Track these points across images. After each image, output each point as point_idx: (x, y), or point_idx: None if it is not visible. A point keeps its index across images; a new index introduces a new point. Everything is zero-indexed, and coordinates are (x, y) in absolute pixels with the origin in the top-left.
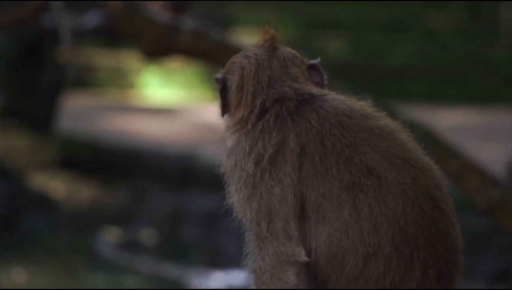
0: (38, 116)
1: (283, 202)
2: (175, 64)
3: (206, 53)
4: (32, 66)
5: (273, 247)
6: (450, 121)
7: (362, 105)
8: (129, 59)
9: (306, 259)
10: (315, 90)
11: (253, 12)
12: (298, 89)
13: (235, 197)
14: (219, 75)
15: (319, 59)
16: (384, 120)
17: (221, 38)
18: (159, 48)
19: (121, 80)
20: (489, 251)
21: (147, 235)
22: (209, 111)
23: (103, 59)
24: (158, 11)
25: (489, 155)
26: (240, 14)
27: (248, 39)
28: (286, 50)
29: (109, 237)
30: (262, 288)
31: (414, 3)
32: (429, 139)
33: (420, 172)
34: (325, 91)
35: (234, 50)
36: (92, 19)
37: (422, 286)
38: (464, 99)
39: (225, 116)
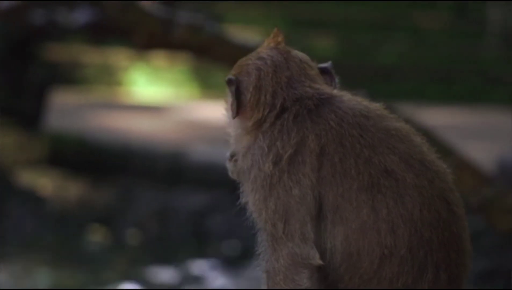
0: (26, 113)
1: (301, 204)
2: (163, 62)
3: (201, 46)
4: (20, 63)
5: (288, 248)
6: (437, 120)
7: (377, 106)
8: (117, 57)
9: (320, 262)
10: (333, 91)
11: (241, 10)
12: (318, 89)
13: (251, 196)
14: (231, 77)
15: (330, 62)
16: (398, 121)
17: (216, 32)
18: (153, 41)
19: (109, 78)
20: (479, 250)
21: (135, 233)
22: (197, 109)
23: (91, 56)
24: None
25: (476, 154)
26: (228, 12)
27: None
28: (299, 53)
29: (96, 235)
30: (274, 289)
31: (402, 3)
32: (423, 136)
33: (435, 175)
34: (342, 92)
35: (229, 44)
36: (81, 16)
37: (434, 288)
38: (451, 98)
39: (236, 117)
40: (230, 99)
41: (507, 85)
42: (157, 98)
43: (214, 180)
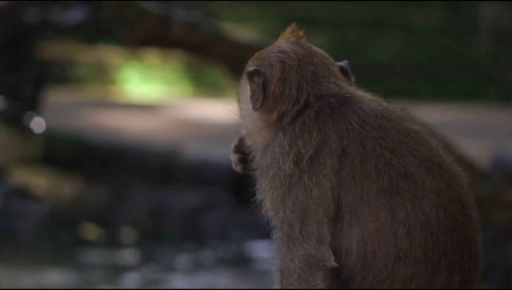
0: (19, 112)
1: (320, 205)
2: (156, 60)
3: (198, 44)
4: (13, 61)
5: (304, 249)
6: (429, 117)
7: (396, 107)
8: (110, 55)
9: (335, 264)
10: (355, 90)
11: (233, 8)
12: (343, 87)
13: (268, 195)
14: (255, 68)
15: (346, 61)
16: (416, 124)
17: (213, 29)
18: (150, 38)
19: (102, 76)
20: None
21: (129, 231)
22: (190, 107)
23: (84, 55)
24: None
25: (469, 151)
26: (220, 10)
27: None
28: (319, 49)
29: (90, 234)
30: (288, 288)
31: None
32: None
33: (452, 178)
34: (362, 92)
35: (227, 41)
36: (75, 15)
37: None
38: (443, 95)
39: (257, 110)
40: (249, 90)
41: (499, 83)
42: (150, 96)
43: (208, 178)
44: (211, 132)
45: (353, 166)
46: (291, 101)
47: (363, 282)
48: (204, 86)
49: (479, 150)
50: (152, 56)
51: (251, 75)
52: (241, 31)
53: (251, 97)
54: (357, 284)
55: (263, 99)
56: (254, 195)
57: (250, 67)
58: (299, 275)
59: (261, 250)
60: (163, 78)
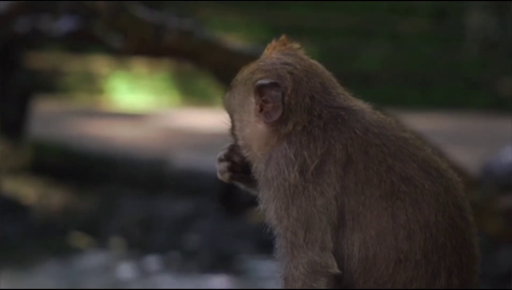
0: (8, 121)
1: (324, 213)
2: (143, 69)
3: (192, 52)
4: (2, 71)
5: (308, 256)
6: (416, 125)
7: (391, 118)
8: (98, 64)
9: (338, 271)
10: (357, 101)
11: (220, 16)
12: (348, 98)
13: (272, 204)
14: (270, 80)
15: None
16: (409, 132)
17: (207, 37)
18: (144, 47)
19: (90, 85)
20: None
21: (118, 241)
22: (178, 116)
23: (72, 64)
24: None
25: (456, 158)
26: (208, 18)
27: None
28: (315, 61)
29: (80, 243)
30: None
31: (381, 8)
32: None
33: (450, 183)
34: (362, 103)
35: (220, 49)
36: (65, 24)
37: None
38: (430, 103)
39: (255, 122)
40: (253, 102)
41: (486, 90)
42: (138, 105)
43: (197, 187)
44: (199, 141)
45: (356, 173)
46: (305, 112)
47: (365, 286)
48: (191, 95)
49: (467, 157)
50: (140, 66)
51: (268, 87)
52: (229, 39)
53: (263, 110)
54: (359, 288)
55: (281, 110)
56: (243, 204)
57: (262, 79)
58: (304, 282)
59: (250, 259)
60: (150, 87)
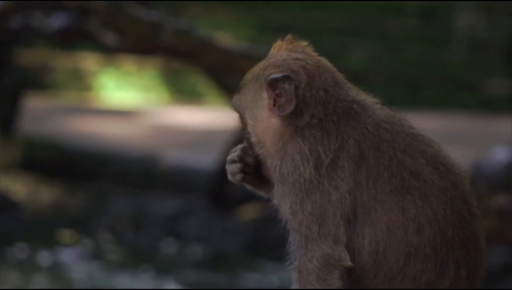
0: None
1: (338, 208)
2: (132, 67)
3: (189, 51)
4: None
5: (322, 250)
6: None
7: (400, 114)
8: (87, 61)
9: (351, 264)
10: (367, 97)
11: (210, 15)
12: (359, 93)
13: (287, 199)
14: (284, 74)
15: None
16: (417, 129)
17: (203, 36)
18: (141, 46)
19: (79, 82)
20: None
21: (108, 238)
22: (167, 114)
23: (60, 61)
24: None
25: None
26: (197, 17)
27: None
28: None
29: (70, 241)
30: (306, 288)
31: (370, 8)
32: None
33: (457, 178)
34: (371, 98)
35: (218, 48)
36: (56, 21)
37: (455, 285)
38: (419, 103)
39: (268, 117)
40: (266, 97)
41: (474, 90)
42: (127, 102)
43: (187, 185)
44: (189, 138)
45: (368, 168)
46: (320, 104)
47: (375, 279)
48: (180, 93)
49: (456, 157)
50: (129, 63)
51: (276, 81)
52: (219, 37)
53: (276, 103)
54: (369, 281)
55: (295, 104)
56: (233, 202)
57: (275, 74)
58: (318, 275)
59: (239, 255)
60: (139, 85)
